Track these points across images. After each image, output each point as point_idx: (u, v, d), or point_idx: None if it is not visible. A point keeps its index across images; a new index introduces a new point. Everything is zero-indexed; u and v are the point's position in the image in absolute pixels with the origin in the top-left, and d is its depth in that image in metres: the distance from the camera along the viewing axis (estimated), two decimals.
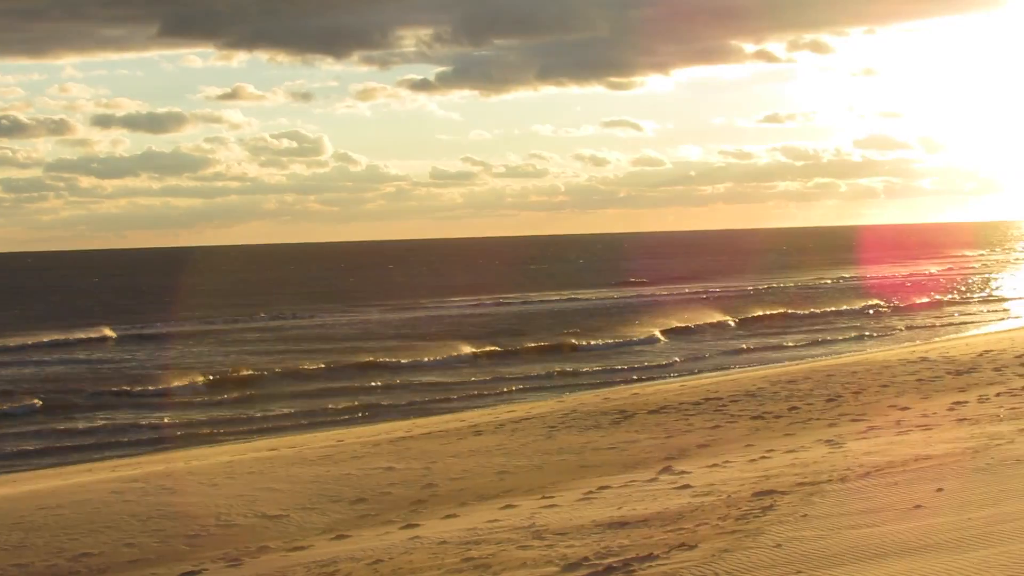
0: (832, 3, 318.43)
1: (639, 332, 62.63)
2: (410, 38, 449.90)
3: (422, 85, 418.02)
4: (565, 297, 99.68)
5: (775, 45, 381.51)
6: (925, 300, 78.06)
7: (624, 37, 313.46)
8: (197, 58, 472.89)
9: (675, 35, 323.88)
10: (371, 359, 54.90)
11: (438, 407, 42.18)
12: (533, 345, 59.28)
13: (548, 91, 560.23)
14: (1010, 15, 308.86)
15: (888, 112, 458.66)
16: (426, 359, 54.67)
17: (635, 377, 47.33)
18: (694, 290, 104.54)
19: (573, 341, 59.22)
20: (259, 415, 42.53)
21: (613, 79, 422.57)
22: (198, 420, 41.86)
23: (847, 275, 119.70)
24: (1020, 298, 78.54)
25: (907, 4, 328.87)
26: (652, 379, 45.61)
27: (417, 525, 17.99)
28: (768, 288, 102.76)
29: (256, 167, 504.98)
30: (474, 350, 56.44)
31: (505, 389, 46.04)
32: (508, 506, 18.74)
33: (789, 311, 73.44)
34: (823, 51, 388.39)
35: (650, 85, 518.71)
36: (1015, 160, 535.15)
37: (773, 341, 58.76)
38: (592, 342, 59.23)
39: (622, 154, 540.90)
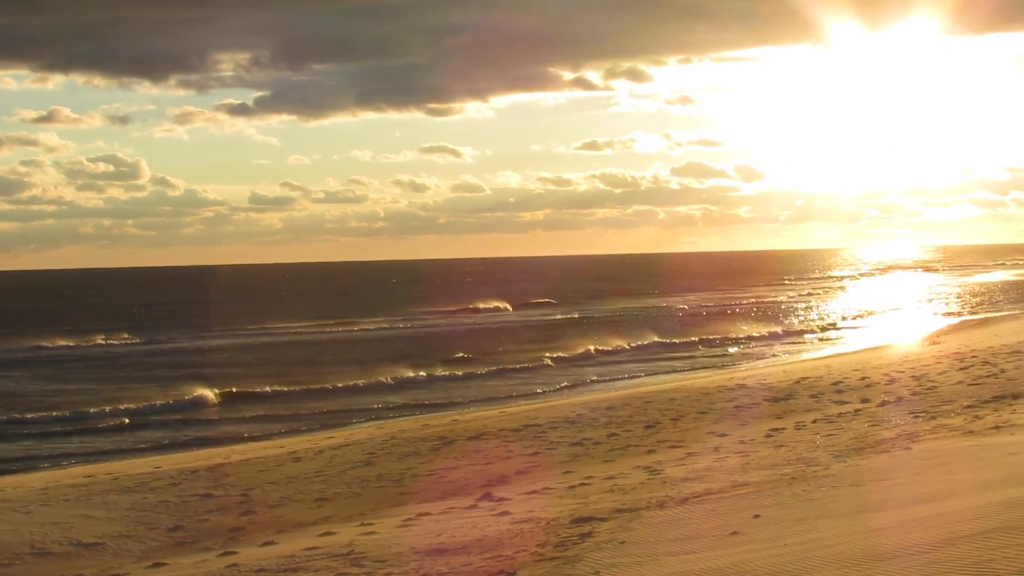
0: (649, 32, 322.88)
1: (528, 358, 62.33)
2: (228, 62, 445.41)
3: (240, 110, 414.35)
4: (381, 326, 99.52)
5: (593, 73, 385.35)
6: (744, 327, 79.30)
7: (442, 63, 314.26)
8: (12, 80, 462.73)
9: (493, 62, 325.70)
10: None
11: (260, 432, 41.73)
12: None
13: (367, 116, 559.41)
14: (824, 48, 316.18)
15: (705, 140, 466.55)
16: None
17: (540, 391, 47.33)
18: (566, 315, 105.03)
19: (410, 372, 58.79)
20: (76, 442, 41.69)
21: (432, 105, 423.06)
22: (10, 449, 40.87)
23: (660, 303, 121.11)
24: (835, 325, 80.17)
25: (722, 34, 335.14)
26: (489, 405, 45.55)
27: (235, 552, 17.77)
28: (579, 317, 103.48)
29: (73, 191, 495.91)
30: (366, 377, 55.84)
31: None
32: (327, 533, 18.61)
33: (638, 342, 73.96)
34: (640, 79, 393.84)
35: (469, 111, 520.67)
36: (829, 189, 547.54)
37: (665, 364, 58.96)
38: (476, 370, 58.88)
39: (441, 180, 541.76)
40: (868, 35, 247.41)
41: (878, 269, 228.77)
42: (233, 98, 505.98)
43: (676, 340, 70.22)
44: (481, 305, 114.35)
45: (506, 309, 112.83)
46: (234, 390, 52.07)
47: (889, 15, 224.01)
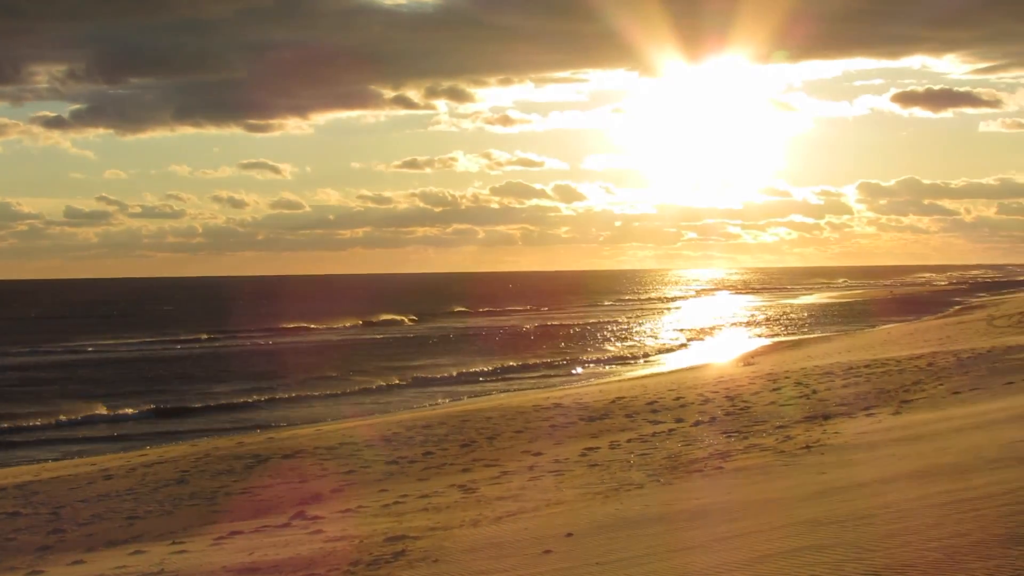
0: (469, 52, 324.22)
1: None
2: (43, 74, 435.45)
3: (55, 122, 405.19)
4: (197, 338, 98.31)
5: (413, 92, 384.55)
6: (562, 346, 79.79)
7: (262, 79, 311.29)
8: None
9: (313, 79, 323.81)
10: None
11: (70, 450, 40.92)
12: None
13: (185, 131, 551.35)
14: (643, 72, 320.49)
15: (525, 160, 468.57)
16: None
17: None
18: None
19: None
20: None
21: (251, 121, 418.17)
22: None
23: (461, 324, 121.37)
24: (651, 345, 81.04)
25: (542, 55, 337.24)
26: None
27: (42, 572, 17.42)
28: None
29: None
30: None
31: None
32: (137, 552, 18.33)
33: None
34: (461, 99, 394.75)
35: (288, 128, 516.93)
36: (647, 210, 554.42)
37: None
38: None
39: (260, 196, 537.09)
40: (687, 61, 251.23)
41: (695, 290, 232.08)
42: (48, 111, 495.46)
43: (496, 359, 70.38)
44: (307, 325, 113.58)
45: (316, 328, 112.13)
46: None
47: (707, 42, 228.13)
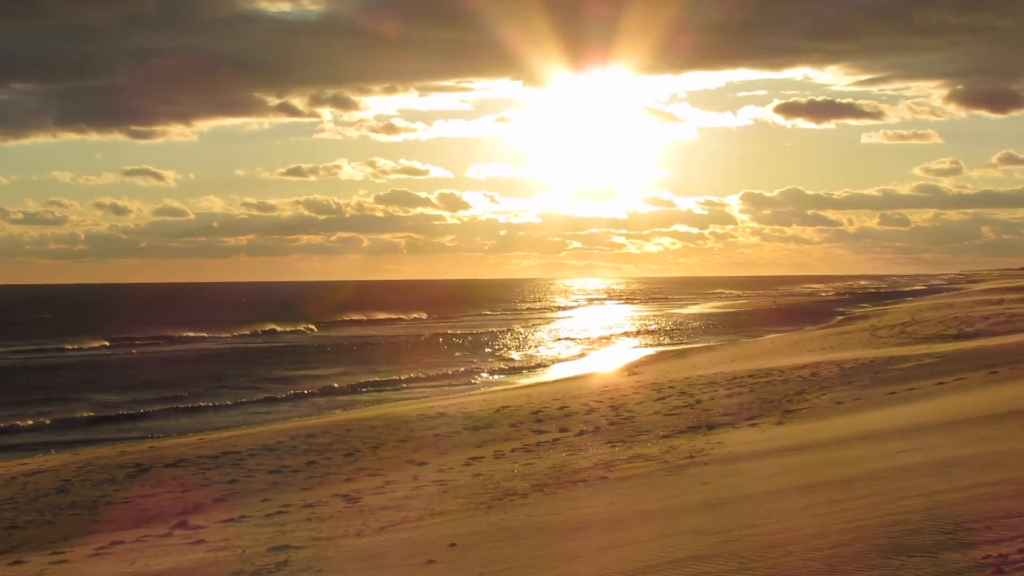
0: (354, 60, 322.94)
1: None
2: None
3: None
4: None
5: (298, 99, 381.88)
6: (448, 355, 79.77)
7: (145, 86, 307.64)
8: None
9: (197, 86, 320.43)
10: None
11: None
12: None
13: (67, 137, 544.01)
14: (528, 82, 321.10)
15: (410, 169, 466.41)
16: None
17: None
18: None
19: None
20: None
21: (134, 127, 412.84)
22: None
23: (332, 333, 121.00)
24: (538, 355, 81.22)
25: (427, 63, 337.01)
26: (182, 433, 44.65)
27: None
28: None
29: None
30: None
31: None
32: (17, 562, 18.11)
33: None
34: (346, 107, 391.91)
35: (172, 135, 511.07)
36: (532, 219, 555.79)
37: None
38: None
39: (144, 203, 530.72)
40: (571, 71, 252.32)
41: (580, 300, 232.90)
42: None
43: (383, 368, 70.18)
44: (185, 333, 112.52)
45: (200, 336, 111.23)
46: None
47: (591, 53, 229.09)
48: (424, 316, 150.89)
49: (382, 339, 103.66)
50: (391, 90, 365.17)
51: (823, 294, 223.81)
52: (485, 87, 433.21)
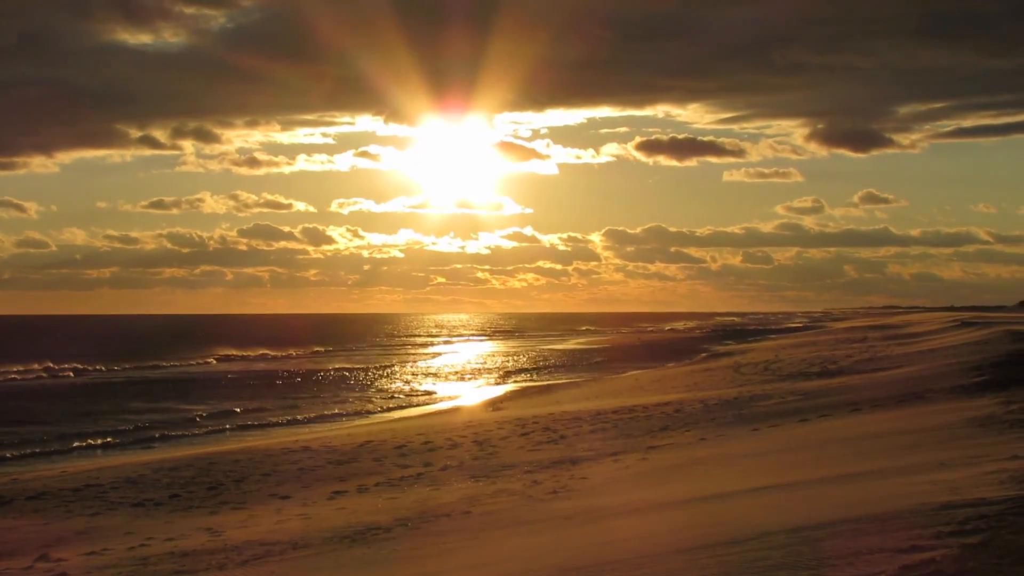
0: (215, 94, 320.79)
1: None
2: None
3: None
4: None
5: (159, 132, 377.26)
6: (312, 389, 79.49)
7: (6, 117, 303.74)
8: None
9: (58, 117, 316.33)
10: None
11: None
12: None
13: None
14: (391, 118, 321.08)
15: (273, 203, 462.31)
16: None
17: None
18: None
19: None
20: None
21: None
22: None
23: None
24: (401, 390, 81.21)
25: (289, 98, 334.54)
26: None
27: None
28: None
29: None
30: None
31: None
32: None
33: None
34: (207, 140, 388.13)
35: (33, 166, 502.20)
36: (396, 254, 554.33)
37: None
38: None
39: (5, 235, 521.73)
40: (433, 107, 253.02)
41: (444, 335, 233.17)
42: None
43: (245, 401, 69.82)
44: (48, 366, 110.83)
45: (67, 367, 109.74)
46: None
47: (453, 89, 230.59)
48: (287, 350, 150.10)
49: (248, 374, 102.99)
50: (253, 124, 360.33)
51: (687, 331, 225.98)
52: (347, 122, 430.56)
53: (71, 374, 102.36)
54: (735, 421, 33.45)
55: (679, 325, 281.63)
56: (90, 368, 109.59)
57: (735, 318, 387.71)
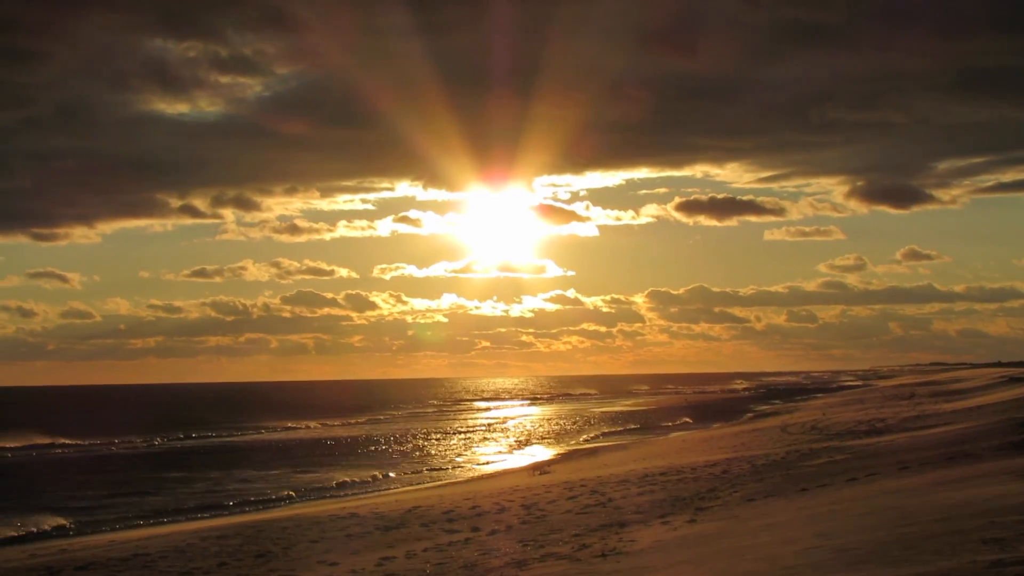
0: (254, 161, 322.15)
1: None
2: None
3: None
4: None
5: (199, 200, 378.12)
6: (357, 458, 79.52)
7: (47, 188, 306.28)
8: None
9: (98, 188, 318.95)
10: None
11: None
12: None
13: None
14: (431, 184, 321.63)
15: (315, 270, 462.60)
16: None
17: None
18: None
19: None
20: None
21: (37, 230, 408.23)
22: None
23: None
24: (449, 455, 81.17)
25: (327, 164, 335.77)
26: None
27: None
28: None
29: None
30: None
31: None
32: None
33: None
34: (248, 208, 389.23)
35: (75, 237, 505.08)
36: (440, 318, 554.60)
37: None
38: None
39: (49, 306, 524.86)
40: (474, 172, 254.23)
41: (490, 399, 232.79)
42: None
43: (290, 470, 69.96)
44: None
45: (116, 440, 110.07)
46: None
47: (494, 154, 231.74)
48: (332, 417, 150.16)
49: (295, 442, 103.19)
50: (292, 191, 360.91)
51: (733, 391, 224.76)
52: (386, 187, 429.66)
53: (113, 447, 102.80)
54: (783, 482, 33.27)
55: (725, 385, 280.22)
56: (137, 440, 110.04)
57: (781, 377, 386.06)
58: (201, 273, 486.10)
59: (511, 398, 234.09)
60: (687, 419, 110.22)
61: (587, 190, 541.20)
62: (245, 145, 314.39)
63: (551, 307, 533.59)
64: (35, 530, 46.77)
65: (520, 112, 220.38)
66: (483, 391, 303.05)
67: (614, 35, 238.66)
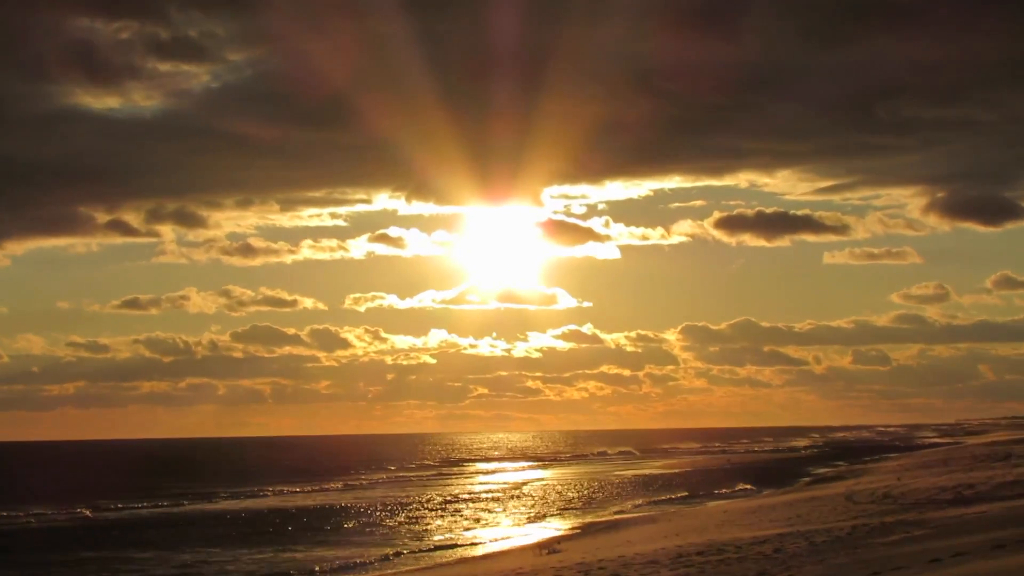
0: (199, 167, 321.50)
1: None
2: None
3: None
4: None
5: (132, 215, 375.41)
6: (333, 539, 79.37)
7: None
8: None
9: (7, 199, 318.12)
10: None
11: None
12: None
13: None
14: (412, 194, 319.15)
15: (274, 300, 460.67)
16: None
17: None
18: None
19: None
20: None
21: None
22: None
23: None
24: (440, 532, 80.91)
25: (291, 172, 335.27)
26: None
27: None
28: None
29: None
30: None
31: None
32: None
33: None
34: (191, 224, 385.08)
35: None
36: (426, 359, 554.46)
37: None
38: None
39: None
40: (470, 181, 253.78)
41: (488, 459, 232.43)
42: None
43: (248, 549, 69.73)
44: None
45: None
46: None
47: (494, 160, 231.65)
48: (297, 483, 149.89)
49: (253, 513, 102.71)
50: (246, 203, 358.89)
51: (787, 449, 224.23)
52: (362, 199, 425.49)
53: (33, 520, 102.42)
54: (849, 564, 33.06)
55: (777, 442, 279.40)
56: (51, 512, 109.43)
57: (846, 432, 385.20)
58: (133, 304, 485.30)
59: (514, 459, 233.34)
60: (732, 484, 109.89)
61: (607, 203, 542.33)
62: (189, 147, 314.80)
63: (563, 346, 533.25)
64: None
65: (526, 108, 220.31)
66: (480, 450, 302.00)
67: (640, 16, 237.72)
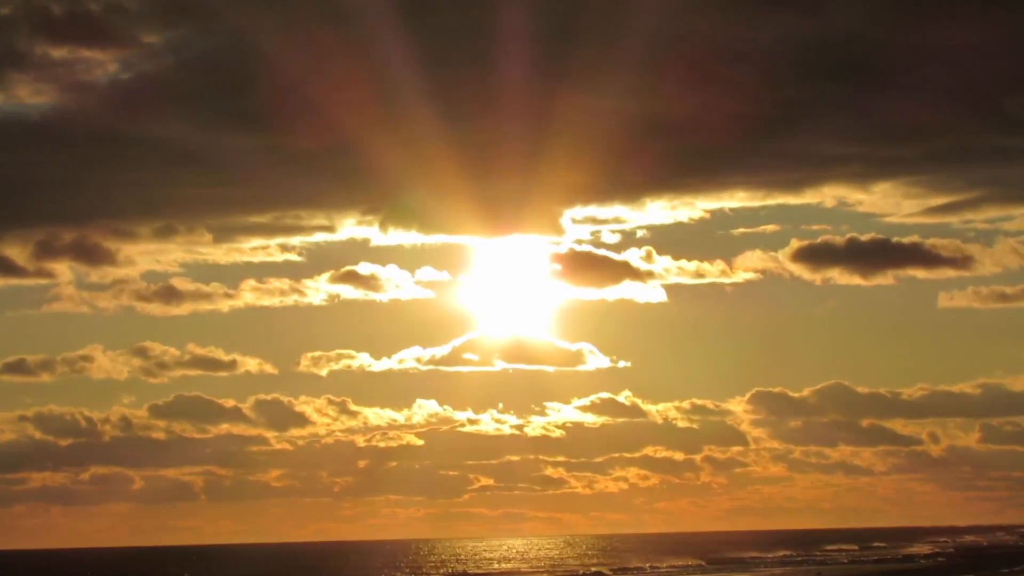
0: (103, 184, 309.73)
1: None
2: None
3: None
4: None
5: (15, 247, 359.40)
6: None
7: None
8: None
9: None
10: None
11: None
12: None
13: None
14: (386, 221, 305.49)
15: (206, 360, 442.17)
16: None
17: None
18: None
19: None
20: None
21: None
22: None
23: None
24: None
25: (226, 189, 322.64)
26: None
27: None
28: None
29: None
30: None
31: None
32: None
33: None
34: (95, 259, 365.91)
35: None
36: (411, 442, 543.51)
37: None
38: None
39: None
40: (469, 208, 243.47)
41: None
42: None
43: None
44: None
45: None
46: None
47: (498, 170, 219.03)
48: None
49: None
50: (168, 232, 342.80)
51: (899, 559, 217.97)
52: (322, 226, 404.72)
53: None
54: None
55: (890, 549, 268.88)
56: None
57: (977, 535, 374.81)
58: (18, 367, 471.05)
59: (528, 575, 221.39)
60: None
61: (648, 228, 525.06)
62: (91, 158, 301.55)
63: (592, 420, 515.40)
64: None
65: (541, 105, 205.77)
66: (485, 563, 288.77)
67: None
